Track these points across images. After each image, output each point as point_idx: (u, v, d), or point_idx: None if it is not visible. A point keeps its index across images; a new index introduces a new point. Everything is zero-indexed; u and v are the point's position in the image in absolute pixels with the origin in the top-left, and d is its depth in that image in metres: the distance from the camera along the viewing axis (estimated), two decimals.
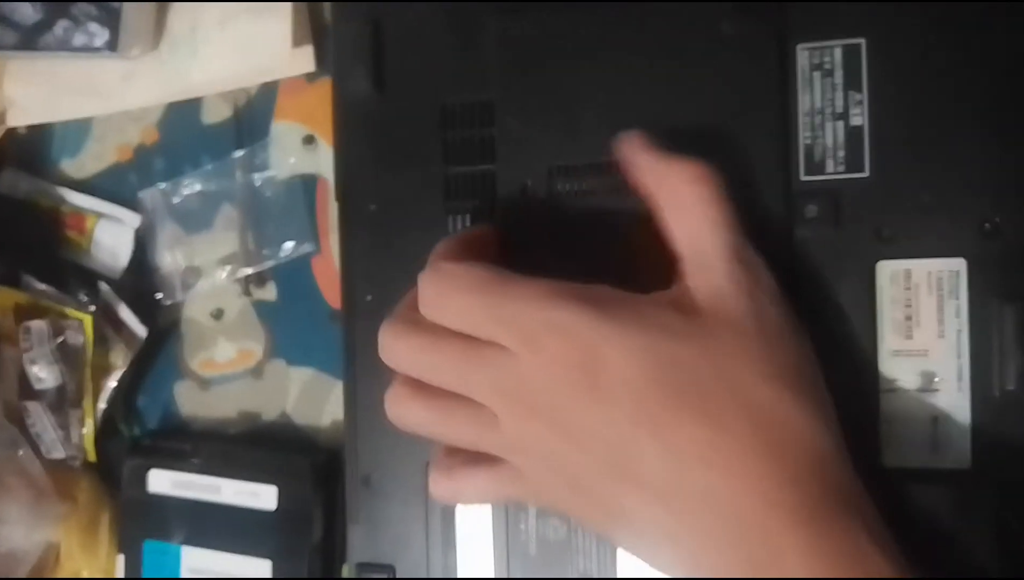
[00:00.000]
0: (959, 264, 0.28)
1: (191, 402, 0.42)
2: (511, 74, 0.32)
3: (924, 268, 0.28)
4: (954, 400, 0.28)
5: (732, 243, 0.26)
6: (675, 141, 0.28)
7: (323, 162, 0.39)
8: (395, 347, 0.28)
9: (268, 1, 0.38)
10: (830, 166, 0.29)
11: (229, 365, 0.41)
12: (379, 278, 0.34)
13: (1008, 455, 0.27)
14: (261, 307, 0.41)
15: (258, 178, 0.40)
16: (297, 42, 0.38)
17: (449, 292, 0.27)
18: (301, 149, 0.40)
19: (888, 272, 0.28)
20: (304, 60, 0.39)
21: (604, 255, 0.30)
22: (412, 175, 0.33)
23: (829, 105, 0.29)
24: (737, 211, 0.27)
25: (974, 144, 0.27)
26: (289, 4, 0.38)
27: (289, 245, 0.39)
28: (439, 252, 0.29)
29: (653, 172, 0.28)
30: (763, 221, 0.29)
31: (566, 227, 0.31)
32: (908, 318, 0.28)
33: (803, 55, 0.29)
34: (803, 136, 0.29)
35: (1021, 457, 0.27)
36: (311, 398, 0.40)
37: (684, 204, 0.27)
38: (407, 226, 0.33)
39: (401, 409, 0.28)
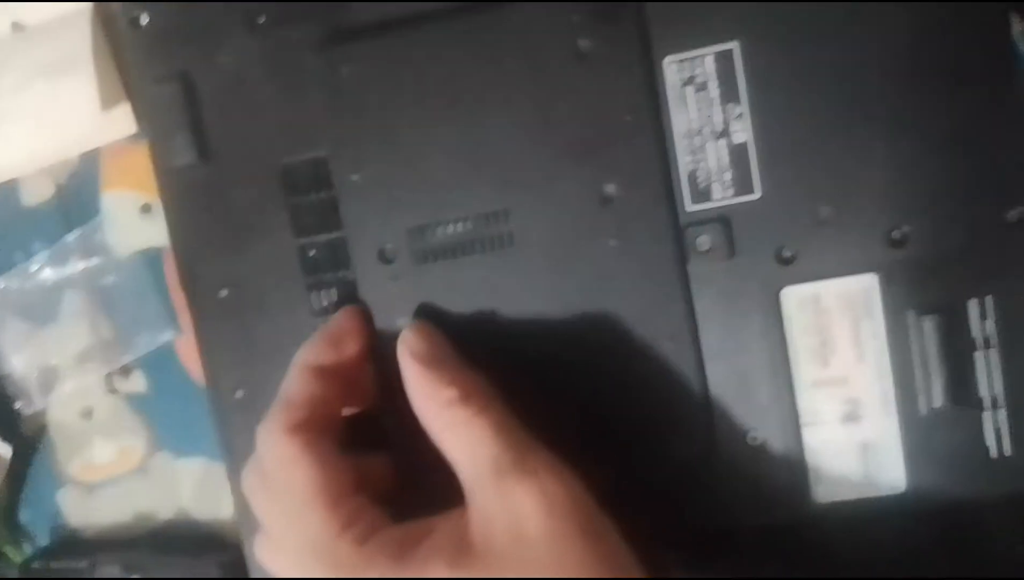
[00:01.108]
0: (870, 280, 0.25)
1: (78, 511, 0.38)
2: (343, 121, 0.27)
3: (833, 289, 0.25)
4: (881, 425, 0.26)
5: (499, 458, 0.23)
6: (536, 185, 0.25)
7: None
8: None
9: (66, 58, 0.33)
10: (717, 191, 0.26)
11: (111, 466, 0.37)
12: (246, 371, 0.30)
13: (943, 473, 0.25)
14: (133, 400, 0.37)
15: (98, 261, 0.35)
16: (107, 103, 0.33)
17: (280, 480, 0.25)
18: (139, 220, 0.35)
19: (795, 299, 0.26)
20: (120, 122, 0.34)
21: (487, 324, 0.27)
22: (262, 251, 0.29)
23: (707, 123, 0.25)
24: (511, 417, 0.24)
25: (872, 148, 0.25)
26: (90, 58, 0.33)
27: (147, 334, 0.35)
28: (301, 364, 0.26)
29: (418, 389, 0.25)
30: (651, 261, 0.26)
31: (441, 298, 0.27)
32: (823, 345, 0.26)
33: (671, 69, 0.25)
34: (683, 161, 0.26)
35: (957, 474, 0.25)
36: (207, 490, 0.36)
37: (448, 425, 0.24)
38: (266, 309, 0.29)
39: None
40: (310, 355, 0.26)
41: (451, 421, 0.24)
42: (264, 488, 0.25)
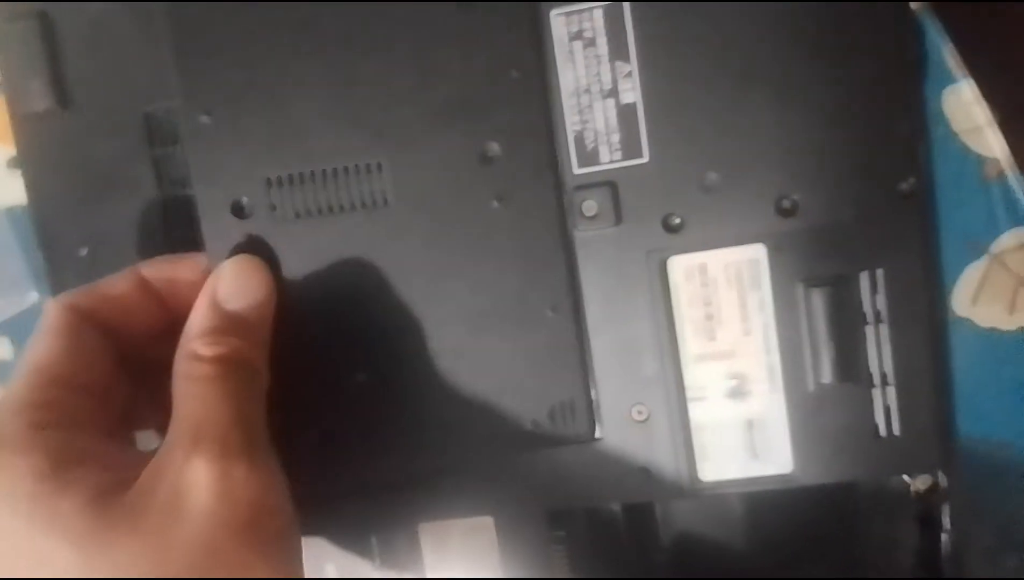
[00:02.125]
0: (758, 251, 0.24)
1: None
2: (192, 61, 0.25)
3: (720, 259, 0.24)
4: (768, 401, 0.25)
5: (211, 429, 0.21)
6: (413, 138, 0.23)
7: None
8: None
9: None
10: (605, 154, 0.24)
11: None
12: None
13: (831, 452, 0.25)
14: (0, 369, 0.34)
15: None
16: None
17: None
18: (5, 174, 0.33)
19: (682, 267, 0.25)
20: None
21: (354, 286, 0.25)
22: (124, 206, 0.27)
23: (596, 81, 0.24)
24: (258, 403, 0.22)
25: (762, 114, 0.23)
26: None
27: (11, 297, 0.33)
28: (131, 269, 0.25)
29: (192, 325, 0.23)
30: (533, 226, 0.24)
31: (294, 257, 0.25)
32: (709, 317, 0.25)
33: (559, 22, 0.24)
34: (570, 121, 0.24)
35: (844, 453, 0.25)
36: None
37: (190, 373, 0.22)
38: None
39: None
40: (144, 265, 0.25)
41: (197, 372, 0.22)
42: None
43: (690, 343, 0.25)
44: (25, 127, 0.27)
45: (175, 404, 0.22)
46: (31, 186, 0.28)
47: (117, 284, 0.24)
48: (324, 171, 0.25)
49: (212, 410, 0.21)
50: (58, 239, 0.28)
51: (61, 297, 0.24)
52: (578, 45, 0.24)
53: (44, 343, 0.23)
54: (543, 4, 0.24)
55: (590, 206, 0.24)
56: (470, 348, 0.25)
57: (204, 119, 0.25)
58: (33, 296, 0.33)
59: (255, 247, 0.25)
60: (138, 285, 0.24)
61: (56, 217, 0.28)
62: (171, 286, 0.24)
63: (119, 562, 0.19)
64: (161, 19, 0.25)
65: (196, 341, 0.22)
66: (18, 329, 0.34)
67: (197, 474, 0.20)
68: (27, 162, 0.28)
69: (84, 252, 0.28)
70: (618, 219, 0.24)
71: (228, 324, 0.22)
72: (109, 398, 0.23)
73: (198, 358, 0.22)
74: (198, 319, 0.23)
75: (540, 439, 0.25)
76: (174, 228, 0.27)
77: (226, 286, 0.23)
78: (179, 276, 0.24)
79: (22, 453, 0.20)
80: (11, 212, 0.33)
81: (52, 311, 0.23)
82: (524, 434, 0.25)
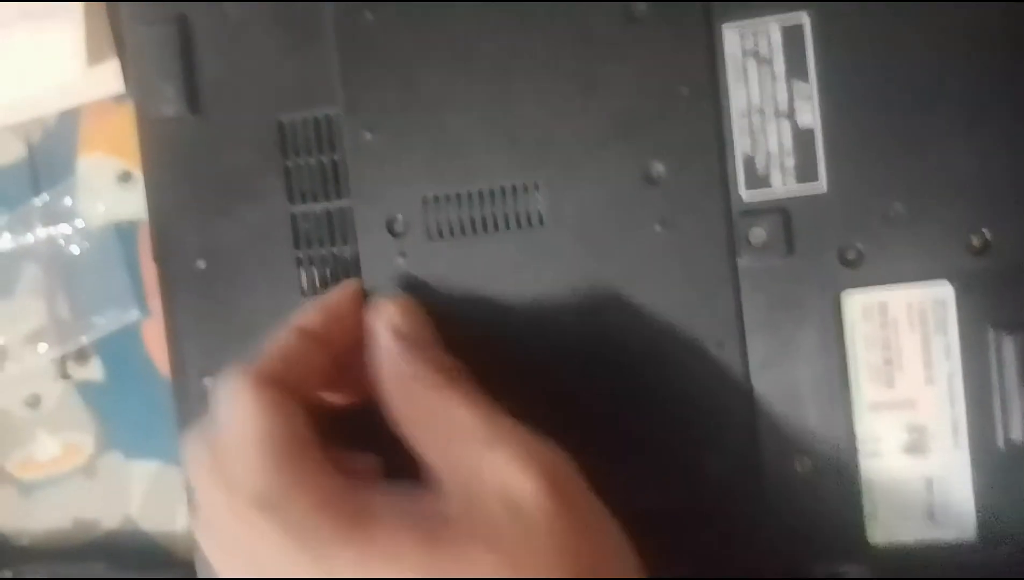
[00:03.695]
0: (945, 290, 0.22)
1: (10, 514, 0.34)
2: (359, 76, 0.24)
3: (903, 298, 0.22)
4: (950, 458, 0.22)
5: (487, 433, 0.20)
6: (573, 158, 0.22)
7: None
8: None
9: (53, 1, 0.30)
10: (777, 178, 0.23)
11: (54, 464, 0.33)
12: (218, 355, 0.26)
13: (1020, 519, 0.22)
14: (86, 389, 0.33)
15: (65, 230, 0.32)
16: (95, 57, 0.30)
17: (233, 433, 0.20)
18: (116, 188, 0.32)
19: (859, 305, 0.23)
20: (106, 78, 0.30)
21: (507, 310, 0.24)
22: (248, 218, 0.26)
23: (770, 101, 0.23)
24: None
25: (954, 140, 0.22)
26: (80, 5, 0.30)
27: (110, 313, 0.31)
28: (289, 325, 0.23)
29: (397, 368, 0.22)
30: (697, 253, 0.23)
31: (453, 277, 0.24)
32: (887, 362, 0.23)
33: (732, 37, 0.23)
34: (740, 142, 0.23)
35: None
36: (160, 497, 0.32)
37: (429, 409, 0.21)
38: (248, 285, 0.26)
39: None
40: (301, 318, 0.23)
41: (443, 379, 0.21)
42: (212, 452, 0.20)
43: (864, 390, 0.23)
44: (152, 133, 0.26)
45: (423, 439, 0.21)
46: (151, 192, 0.27)
47: (291, 345, 0.22)
48: (480, 191, 0.23)
49: (478, 409, 0.20)
50: (175, 250, 0.26)
51: (247, 371, 0.21)
52: (752, 62, 0.22)
53: (259, 423, 0.20)
54: (715, 16, 0.23)
55: (758, 234, 0.23)
56: (624, 381, 0.23)
57: (368, 136, 0.24)
58: (134, 314, 0.31)
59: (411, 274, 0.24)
60: (304, 338, 0.23)
61: (175, 227, 0.26)
62: (333, 325, 0.23)
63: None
64: (328, 27, 0.24)
65: (418, 362, 0.21)
66: (112, 349, 0.32)
67: (512, 470, 0.19)
68: (151, 169, 0.27)
69: (201, 264, 0.26)
70: (789, 249, 0.22)
71: (437, 355, 0.22)
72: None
73: (438, 369, 0.21)
74: (404, 354, 0.22)
75: (696, 479, 0.23)
76: (301, 244, 0.25)
77: (401, 318, 0.23)
78: (343, 312, 0.23)
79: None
80: (119, 227, 0.32)
81: (246, 392, 0.21)
82: (679, 474, 0.22)
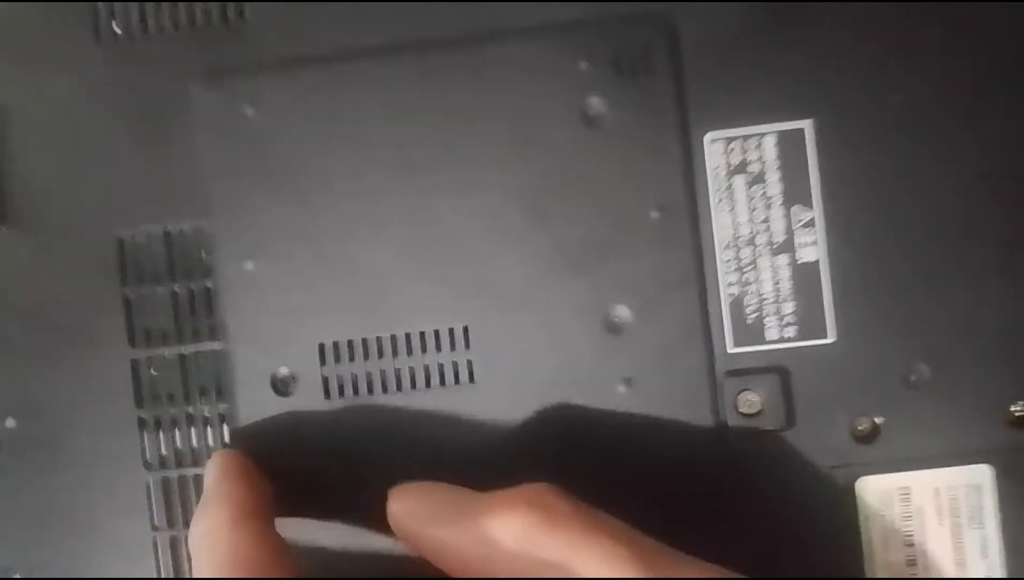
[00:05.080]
0: (982, 473, 0.18)
1: None
2: (237, 188, 0.18)
3: (929, 483, 0.18)
4: None
5: None
6: (512, 297, 0.16)
7: None
8: None
9: None
10: (773, 329, 0.18)
11: None
12: (27, 550, 0.19)
13: None
14: None
15: None
16: None
17: None
18: None
19: (875, 492, 0.18)
20: None
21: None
22: (75, 365, 0.19)
23: (763, 230, 0.18)
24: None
25: (992, 284, 0.17)
26: None
27: None
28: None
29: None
30: (672, 423, 0.17)
31: (347, 443, 0.18)
32: (911, 562, 0.18)
33: (715, 150, 0.18)
34: (726, 282, 0.18)
35: None
36: None
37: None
38: (70, 453, 0.19)
39: None
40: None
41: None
42: None
43: None
44: None
45: None
46: None
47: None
48: (393, 337, 0.18)
49: None
50: None
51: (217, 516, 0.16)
52: (740, 181, 0.18)
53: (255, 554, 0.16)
54: (693, 121, 0.18)
55: (749, 401, 0.18)
56: None
57: (248, 265, 0.18)
58: None
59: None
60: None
61: None
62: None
63: None
64: (194, 118, 0.18)
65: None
66: None
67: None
68: None
69: (11, 424, 0.19)
70: (790, 420, 0.17)
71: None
72: None
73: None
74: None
75: None
76: (145, 401, 0.19)
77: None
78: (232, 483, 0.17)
79: None
80: None
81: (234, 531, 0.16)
82: None
